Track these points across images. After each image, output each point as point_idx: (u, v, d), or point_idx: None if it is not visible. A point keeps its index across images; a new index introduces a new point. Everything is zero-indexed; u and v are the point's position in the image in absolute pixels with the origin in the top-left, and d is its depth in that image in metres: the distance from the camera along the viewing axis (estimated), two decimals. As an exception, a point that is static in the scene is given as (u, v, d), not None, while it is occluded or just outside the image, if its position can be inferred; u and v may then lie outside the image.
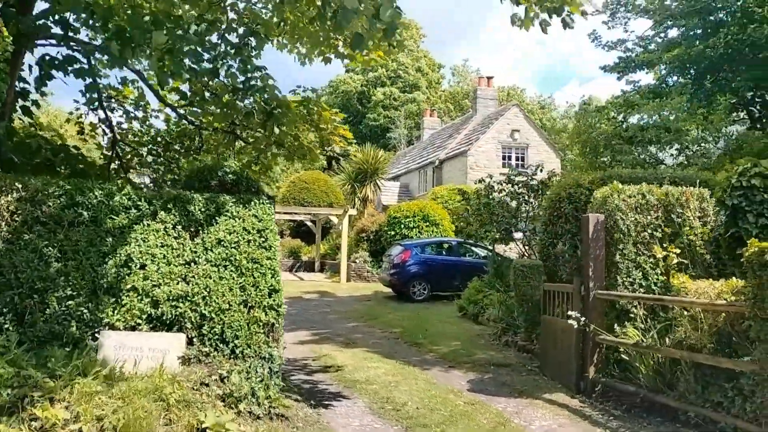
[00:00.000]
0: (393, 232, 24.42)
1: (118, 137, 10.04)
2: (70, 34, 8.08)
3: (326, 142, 10.43)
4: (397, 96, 55.24)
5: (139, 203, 6.47)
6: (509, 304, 12.33)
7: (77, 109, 9.78)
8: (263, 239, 6.63)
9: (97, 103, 9.65)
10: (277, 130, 8.93)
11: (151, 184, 11.41)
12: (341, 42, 9.54)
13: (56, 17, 7.80)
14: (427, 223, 24.23)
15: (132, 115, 10.30)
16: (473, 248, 20.13)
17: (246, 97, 9.06)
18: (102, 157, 10.32)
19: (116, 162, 10.22)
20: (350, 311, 16.99)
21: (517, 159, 32.61)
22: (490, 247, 19.10)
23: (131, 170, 10.89)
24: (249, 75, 8.25)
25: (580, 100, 60.16)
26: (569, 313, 7.69)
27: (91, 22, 7.82)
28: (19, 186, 6.15)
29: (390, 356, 10.61)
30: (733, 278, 6.33)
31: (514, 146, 32.75)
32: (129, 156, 10.55)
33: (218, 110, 9.39)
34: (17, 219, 6.05)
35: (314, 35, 9.19)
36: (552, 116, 57.32)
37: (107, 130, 9.94)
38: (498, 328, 12.13)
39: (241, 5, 8.86)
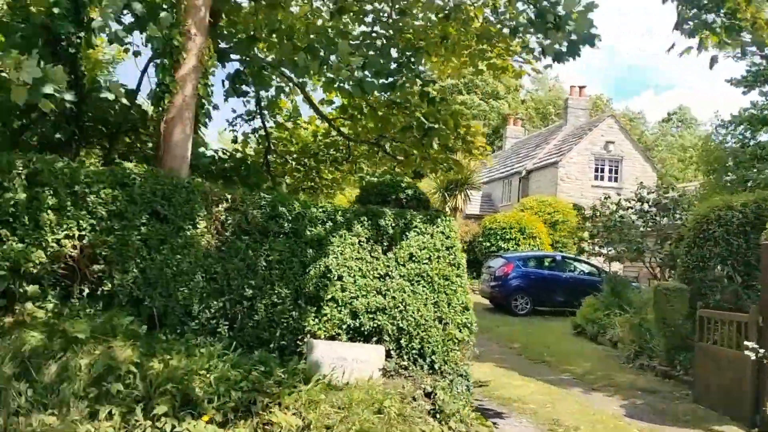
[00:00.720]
0: (488, 243, 24.26)
1: (272, 146, 10.40)
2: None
3: (468, 154, 10.59)
4: (477, 104, 54.78)
5: (334, 216, 6.65)
6: (640, 326, 12.05)
7: (236, 117, 10.17)
8: (452, 256, 6.71)
9: (255, 113, 10.06)
10: (435, 146, 9.08)
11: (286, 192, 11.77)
12: (494, 55, 9.70)
13: (241, 36, 8.16)
14: (524, 236, 23.96)
15: (283, 125, 10.66)
16: (576, 264, 19.79)
17: (402, 110, 9.26)
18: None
19: (265, 169, 10.58)
20: (457, 322, 16.94)
21: (610, 172, 31.86)
22: (599, 265, 18.78)
23: (277, 177, 11.26)
24: (423, 88, 8.40)
25: (671, 111, 58.42)
26: (746, 343, 7.43)
27: (273, 37, 8.13)
28: (228, 196, 6.42)
29: (525, 374, 10.55)
30: None
31: (607, 158, 31.96)
32: (277, 164, 10.92)
33: (372, 124, 9.62)
34: (227, 228, 6.33)
35: (471, 50, 9.33)
36: (641, 130, 55.78)
37: (263, 140, 10.31)
38: (630, 350, 11.85)
39: (402, 21, 9.04)
